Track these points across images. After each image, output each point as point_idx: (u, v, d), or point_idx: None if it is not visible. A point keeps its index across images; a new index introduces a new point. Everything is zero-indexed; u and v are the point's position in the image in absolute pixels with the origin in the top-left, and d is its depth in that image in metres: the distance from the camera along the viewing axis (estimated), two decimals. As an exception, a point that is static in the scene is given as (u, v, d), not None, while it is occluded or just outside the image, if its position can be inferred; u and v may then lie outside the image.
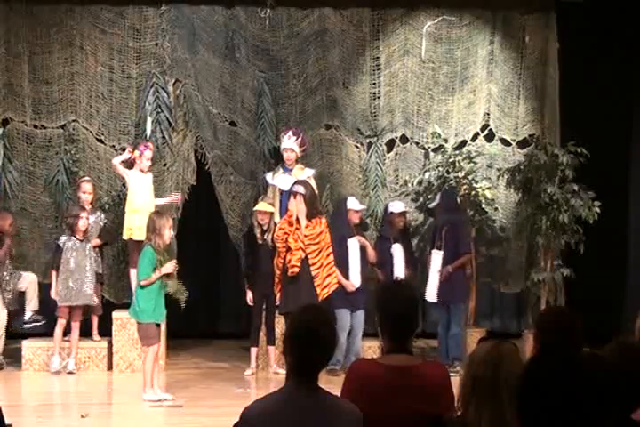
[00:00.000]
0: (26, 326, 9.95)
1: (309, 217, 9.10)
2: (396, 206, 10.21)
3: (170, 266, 8.34)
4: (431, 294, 9.84)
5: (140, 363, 8.89)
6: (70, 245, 9.65)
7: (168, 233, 8.37)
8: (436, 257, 9.89)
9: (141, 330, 8.36)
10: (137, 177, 9.92)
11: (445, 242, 9.83)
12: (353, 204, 9.93)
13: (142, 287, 8.31)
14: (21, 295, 9.97)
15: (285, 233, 9.10)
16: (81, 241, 9.69)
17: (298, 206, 9.10)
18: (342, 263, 9.56)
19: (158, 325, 8.45)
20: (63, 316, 9.63)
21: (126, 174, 9.94)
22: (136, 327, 8.55)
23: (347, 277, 9.63)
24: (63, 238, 9.71)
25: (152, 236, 8.27)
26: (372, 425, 3.47)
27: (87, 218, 9.69)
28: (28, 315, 9.91)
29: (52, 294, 9.70)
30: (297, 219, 9.10)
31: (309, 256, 9.07)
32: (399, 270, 9.95)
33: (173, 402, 8.32)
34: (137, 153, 9.91)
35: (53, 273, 9.70)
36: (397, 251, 10.05)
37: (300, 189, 9.13)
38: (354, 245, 9.77)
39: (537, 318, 4.18)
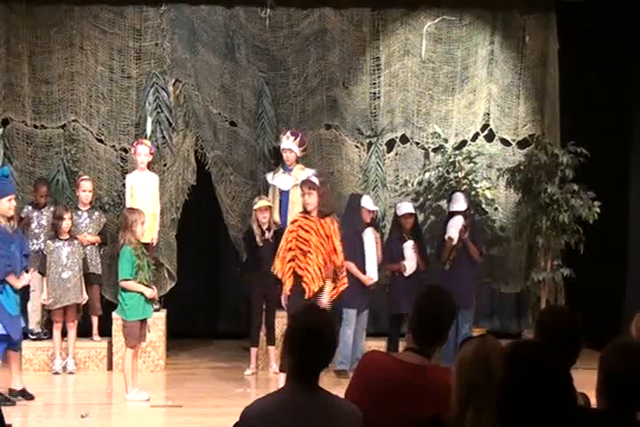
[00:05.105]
0: (31, 336, 9.98)
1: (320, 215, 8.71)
2: (402, 208, 10.05)
3: (150, 291, 8.44)
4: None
5: (138, 363, 8.87)
6: (56, 246, 9.61)
7: (141, 229, 8.42)
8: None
9: (126, 328, 8.44)
10: (135, 179, 9.98)
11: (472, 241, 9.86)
12: (367, 203, 9.70)
13: (123, 288, 8.40)
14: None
15: (299, 226, 8.56)
16: (67, 240, 9.66)
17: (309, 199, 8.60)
18: (358, 259, 9.44)
19: (145, 320, 8.50)
20: (58, 319, 9.61)
21: (128, 185, 10.00)
22: (122, 325, 8.60)
23: (363, 272, 9.48)
24: (48, 242, 9.66)
25: (126, 234, 8.32)
26: (375, 419, 3.46)
27: (70, 219, 9.64)
28: (33, 328, 9.99)
29: (43, 300, 9.64)
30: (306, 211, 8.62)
31: (297, 253, 8.56)
32: (410, 267, 9.86)
33: (173, 402, 8.33)
34: (132, 150, 9.99)
35: (44, 280, 9.63)
36: (408, 248, 9.92)
37: (316, 181, 8.65)
38: (369, 237, 9.58)
39: (537, 317, 4.16)
